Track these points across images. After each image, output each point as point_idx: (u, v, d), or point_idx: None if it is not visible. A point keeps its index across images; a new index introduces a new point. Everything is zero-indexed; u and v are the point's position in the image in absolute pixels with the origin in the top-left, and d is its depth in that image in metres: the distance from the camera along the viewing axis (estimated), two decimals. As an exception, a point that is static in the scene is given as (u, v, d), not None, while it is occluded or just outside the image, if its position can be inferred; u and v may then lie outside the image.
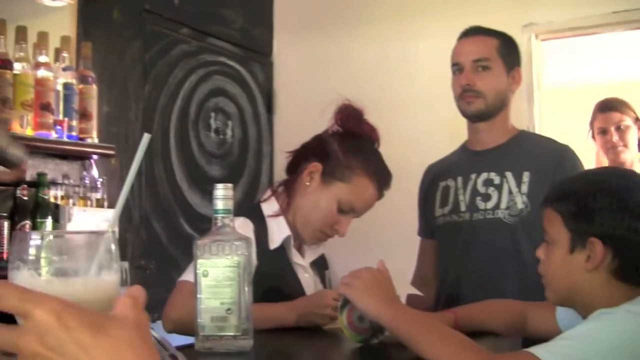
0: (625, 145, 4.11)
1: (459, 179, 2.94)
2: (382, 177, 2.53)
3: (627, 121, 4.13)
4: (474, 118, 2.90)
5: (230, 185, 1.80)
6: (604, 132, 4.16)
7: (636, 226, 1.73)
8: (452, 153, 3.12)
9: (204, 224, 4.30)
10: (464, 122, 3.02)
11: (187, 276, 2.33)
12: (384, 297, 1.91)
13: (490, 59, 2.87)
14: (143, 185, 4.04)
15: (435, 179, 3.05)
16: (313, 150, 2.59)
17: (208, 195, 4.35)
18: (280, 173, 2.76)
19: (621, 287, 1.74)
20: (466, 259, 2.85)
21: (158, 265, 3.94)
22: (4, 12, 3.30)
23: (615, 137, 4.12)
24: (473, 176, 2.91)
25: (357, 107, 2.60)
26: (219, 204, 1.78)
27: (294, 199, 2.56)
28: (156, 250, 4.04)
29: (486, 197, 2.86)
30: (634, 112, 4.18)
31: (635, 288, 1.73)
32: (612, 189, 1.79)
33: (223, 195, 1.78)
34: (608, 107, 4.19)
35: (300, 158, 2.61)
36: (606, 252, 1.74)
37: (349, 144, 2.53)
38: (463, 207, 2.89)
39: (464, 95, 2.86)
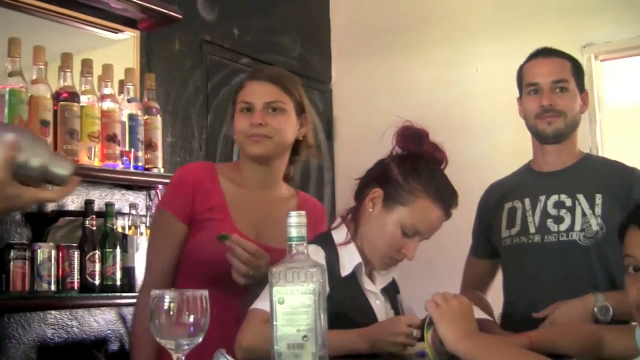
0: None
1: (527, 201, 2.91)
2: (445, 198, 2.49)
3: None
4: (551, 138, 2.86)
5: (303, 212, 1.79)
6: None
7: None
8: (514, 173, 3.09)
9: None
10: (525, 144, 2.99)
11: (259, 304, 2.33)
12: (465, 329, 1.92)
13: (568, 80, 2.85)
14: (208, 214, 4.04)
15: (499, 199, 3.02)
16: (375, 176, 2.58)
17: (271, 223, 4.40)
18: (342, 201, 2.78)
19: None
20: (539, 281, 2.82)
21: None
22: (70, 45, 3.35)
23: None
24: (542, 198, 2.87)
25: (419, 128, 2.58)
26: (293, 232, 1.78)
27: (360, 226, 2.55)
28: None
29: (558, 219, 2.82)
30: None
31: None
32: None
33: (297, 222, 1.78)
34: None
35: (363, 184, 2.61)
36: None
37: (409, 167, 2.51)
38: (532, 229, 2.85)
39: (544, 115, 2.83)
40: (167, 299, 1.61)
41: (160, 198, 2.70)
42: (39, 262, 3.04)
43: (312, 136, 2.82)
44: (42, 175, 1.74)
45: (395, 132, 2.58)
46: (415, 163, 2.52)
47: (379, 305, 2.54)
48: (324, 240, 2.53)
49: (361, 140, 4.53)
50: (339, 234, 2.57)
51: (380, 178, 2.54)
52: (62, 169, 1.77)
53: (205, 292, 1.69)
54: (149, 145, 3.53)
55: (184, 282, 2.56)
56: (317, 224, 2.75)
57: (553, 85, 2.84)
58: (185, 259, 2.62)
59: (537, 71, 2.90)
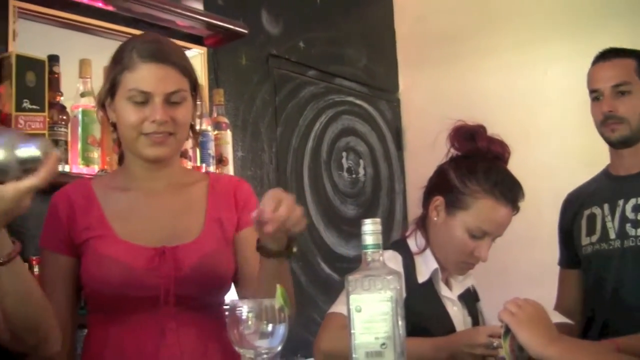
0: None
1: (605, 206, 2.84)
2: (507, 192, 2.45)
3: None
4: (618, 145, 2.82)
5: (378, 220, 1.77)
6: None
7: None
8: (593, 179, 3.02)
9: (341, 264, 4.32)
10: (598, 148, 2.94)
11: (337, 308, 2.33)
12: (547, 334, 1.89)
13: (630, 82, 2.77)
14: (280, 226, 4.05)
15: (579, 207, 2.96)
16: (434, 183, 2.57)
17: (344, 234, 4.43)
18: (414, 210, 2.74)
19: None
20: (621, 288, 2.76)
21: (297, 305, 3.94)
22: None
23: None
24: (621, 202, 2.81)
25: (472, 125, 2.55)
26: (369, 239, 1.76)
27: (430, 235, 2.54)
28: (295, 290, 4.04)
29: (637, 224, 2.75)
30: None
31: None
32: None
33: (372, 230, 1.76)
34: None
35: (427, 193, 2.59)
36: None
37: (463, 168, 2.48)
38: (612, 235, 2.79)
39: (607, 122, 2.78)
40: (245, 309, 1.61)
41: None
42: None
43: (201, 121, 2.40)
44: (11, 165, 1.59)
45: (448, 134, 2.56)
46: (471, 164, 2.49)
47: (456, 312, 2.52)
48: (400, 247, 2.52)
49: (431, 149, 4.48)
50: (413, 242, 2.55)
51: (439, 185, 2.53)
52: (29, 150, 1.60)
53: None
54: (220, 160, 3.55)
55: (89, 317, 2.18)
56: (248, 200, 2.30)
57: (613, 90, 2.77)
58: (84, 292, 2.18)
59: (597, 76, 2.84)
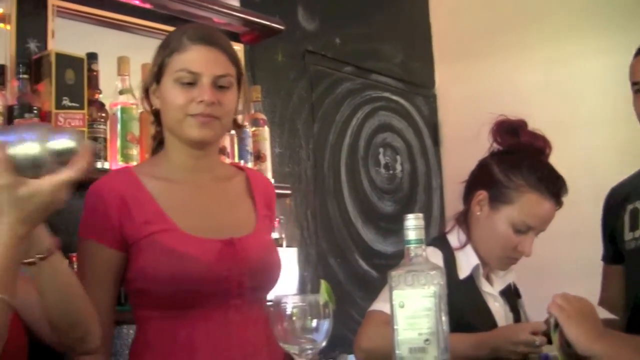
0: None
1: None
2: (552, 187, 2.45)
3: None
4: None
5: (420, 215, 1.76)
6: None
7: None
8: (636, 173, 2.97)
9: (379, 260, 4.31)
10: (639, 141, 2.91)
11: (377, 305, 2.33)
12: (594, 330, 1.87)
13: None
14: (318, 223, 4.09)
15: (622, 202, 2.92)
16: (477, 178, 2.56)
17: (382, 231, 4.42)
18: (451, 206, 2.73)
19: None
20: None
21: (335, 301, 3.95)
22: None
23: None
24: None
25: (515, 120, 2.54)
26: (411, 235, 1.74)
27: (472, 230, 2.53)
28: (333, 287, 4.04)
29: None
30: None
31: None
32: None
33: (414, 225, 1.75)
34: None
35: (468, 188, 2.58)
36: None
37: (509, 163, 2.47)
38: None
39: None
40: (289, 305, 1.61)
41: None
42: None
43: (244, 115, 2.42)
44: (46, 159, 1.57)
45: (490, 129, 2.55)
46: (515, 158, 2.48)
47: (498, 308, 2.51)
48: (440, 243, 2.51)
49: (468, 144, 4.45)
50: (454, 238, 2.54)
51: (482, 179, 2.52)
52: (62, 142, 1.58)
53: None
54: (258, 157, 3.55)
55: (145, 313, 2.15)
56: (271, 203, 2.37)
57: None
58: (136, 288, 2.13)
59: (639, 68, 2.81)
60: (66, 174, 1.58)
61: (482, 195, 2.47)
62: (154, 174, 2.19)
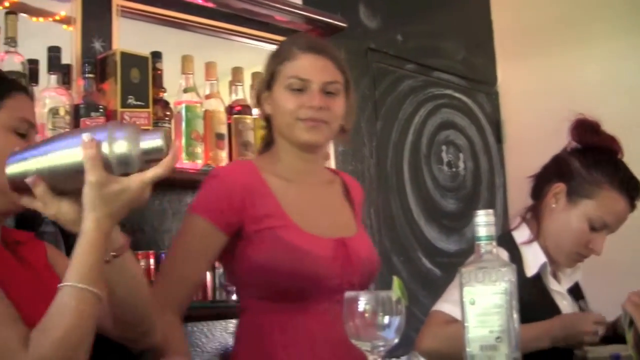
0: None
1: None
2: (630, 188, 2.45)
3: None
4: None
5: (491, 211, 1.75)
6: None
7: None
8: None
9: (442, 258, 4.28)
10: None
11: (440, 306, 2.33)
12: None
13: None
14: (381, 221, 4.07)
15: None
16: (554, 171, 2.54)
17: (445, 229, 4.39)
18: (515, 204, 2.71)
19: None
20: None
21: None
22: (239, 60, 3.42)
23: None
24: None
25: (593, 120, 2.53)
26: (482, 231, 1.73)
27: (543, 224, 2.51)
28: (397, 286, 4.04)
29: None
30: None
31: None
32: None
33: (485, 221, 1.73)
34: None
35: (542, 181, 2.57)
36: None
37: (590, 159, 2.47)
38: None
39: None
40: (362, 301, 1.61)
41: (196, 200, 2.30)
42: (221, 271, 3.07)
43: (350, 120, 2.43)
44: (135, 157, 1.62)
45: (570, 126, 2.54)
46: (596, 155, 2.48)
47: (566, 306, 2.49)
48: (505, 241, 2.49)
49: (531, 141, 4.44)
50: (520, 234, 2.53)
51: (560, 173, 2.51)
52: (153, 141, 1.63)
53: None
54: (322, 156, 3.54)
55: (255, 303, 2.23)
56: (361, 205, 2.52)
57: None
58: (251, 279, 2.22)
59: None
60: (155, 172, 1.63)
61: (559, 187, 2.46)
62: (273, 171, 2.30)
